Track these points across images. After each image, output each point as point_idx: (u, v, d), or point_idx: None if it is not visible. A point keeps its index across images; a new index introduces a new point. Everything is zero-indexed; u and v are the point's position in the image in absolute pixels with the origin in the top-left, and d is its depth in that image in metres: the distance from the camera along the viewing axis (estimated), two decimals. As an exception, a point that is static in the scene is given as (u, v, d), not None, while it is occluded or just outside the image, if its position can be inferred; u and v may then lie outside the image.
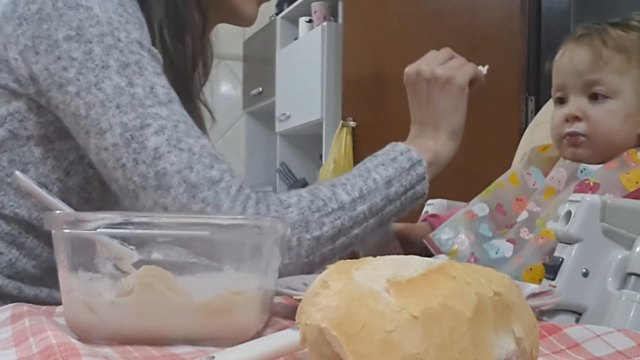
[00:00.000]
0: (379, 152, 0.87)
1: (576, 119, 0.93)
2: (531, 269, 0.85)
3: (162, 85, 0.77)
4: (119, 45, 0.75)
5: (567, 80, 0.95)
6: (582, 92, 0.93)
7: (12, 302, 0.61)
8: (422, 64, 0.94)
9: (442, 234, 0.97)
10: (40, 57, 0.76)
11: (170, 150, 0.73)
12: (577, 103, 0.93)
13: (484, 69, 1.01)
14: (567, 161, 0.95)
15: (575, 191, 0.88)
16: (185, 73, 0.85)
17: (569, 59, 0.95)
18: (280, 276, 0.62)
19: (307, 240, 0.76)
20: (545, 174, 0.98)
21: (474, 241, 0.94)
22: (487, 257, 0.91)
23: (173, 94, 0.78)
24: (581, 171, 0.92)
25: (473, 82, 0.95)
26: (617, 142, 0.92)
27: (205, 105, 1.00)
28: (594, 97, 0.92)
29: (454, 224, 0.97)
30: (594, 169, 0.91)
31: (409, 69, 0.96)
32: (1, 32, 0.79)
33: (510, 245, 0.91)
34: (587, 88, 0.92)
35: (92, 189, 0.84)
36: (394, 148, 0.88)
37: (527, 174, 1.01)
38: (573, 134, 0.94)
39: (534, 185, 0.98)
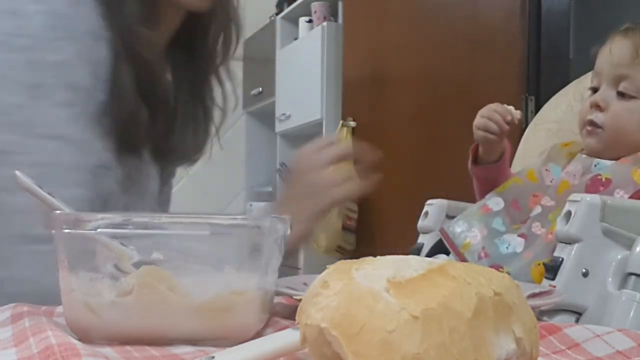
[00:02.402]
0: None
1: (598, 108, 0.94)
2: (539, 264, 0.85)
3: None
4: None
5: (604, 69, 0.96)
6: (613, 83, 0.94)
7: None
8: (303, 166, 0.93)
9: (457, 227, 0.97)
10: None
11: None
12: (605, 93, 0.95)
13: (517, 113, 1.03)
14: (584, 156, 0.95)
15: (587, 186, 0.89)
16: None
17: (610, 49, 0.96)
18: None
19: None
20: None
21: (486, 236, 0.95)
22: (497, 252, 0.92)
23: None
24: (595, 165, 0.92)
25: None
26: (632, 143, 0.92)
27: (221, 85, 0.96)
28: (621, 93, 0.93)
29: (468, 218, 0.97)
30: (607, 164, 0.91)
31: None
32: None
33: (521, 240, 0.91)
34: (618, 81, 0.93)
35: None
36: None
37: (546, 170, 1.01)
38: (591, 124, 0.95)
39: (551, 182, 0.99)
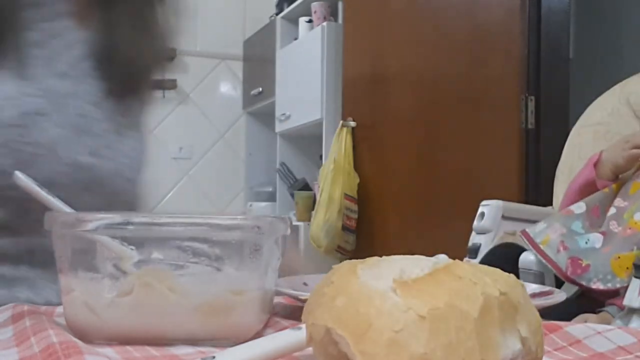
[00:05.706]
0: None
1: None
2: (619, 257, 0.89)
3: None
4: None
5: None
6: None
7: None
8: None
9: (537, 227, 1.03)
10: None
11: None
12: None
13: None
14: None
15: None
16: None
17: None
18: None
19: None
20: None
21: (565, 233, 1.00)
22: (576, 246, 0.97)
23: None
24: None
25: None
26: None
27: None
28: None
29: (549, 219, 1.04)
30: None
31: None
32: None
33: (600, 237, 0.96)
34: None
35: None
36: None
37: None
38: None
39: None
